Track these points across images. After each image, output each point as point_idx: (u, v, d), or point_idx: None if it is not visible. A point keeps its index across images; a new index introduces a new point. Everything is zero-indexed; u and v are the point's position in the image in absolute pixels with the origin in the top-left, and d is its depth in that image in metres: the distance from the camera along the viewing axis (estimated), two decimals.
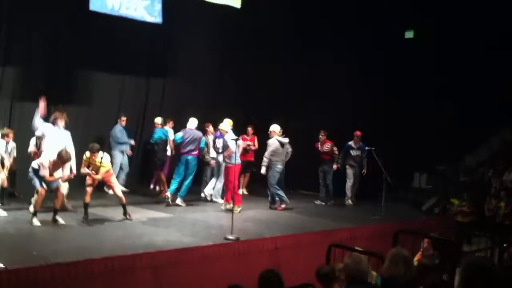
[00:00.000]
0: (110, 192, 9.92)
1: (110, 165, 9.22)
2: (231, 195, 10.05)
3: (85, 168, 8.84)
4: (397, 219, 10.48)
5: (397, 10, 13.56)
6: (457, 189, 11.57)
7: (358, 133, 12.31)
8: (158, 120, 12.21)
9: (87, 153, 8.82)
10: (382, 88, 13.72)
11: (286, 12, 14.06)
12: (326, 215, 10.79)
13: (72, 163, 8.95)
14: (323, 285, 5.12)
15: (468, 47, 12.83)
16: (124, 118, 12.09)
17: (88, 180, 8.84)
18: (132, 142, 12.23)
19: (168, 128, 12.11)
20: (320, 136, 12.27)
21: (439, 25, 13.36)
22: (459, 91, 12.79)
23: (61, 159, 8.36)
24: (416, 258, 6.23)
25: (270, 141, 11.10)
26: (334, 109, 13.36)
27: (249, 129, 12.74)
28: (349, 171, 12.34)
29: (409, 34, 14.23)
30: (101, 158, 8.82)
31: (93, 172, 8.82)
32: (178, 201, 10.74)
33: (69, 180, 9.19)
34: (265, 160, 11.00)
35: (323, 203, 12.11)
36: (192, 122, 11.08)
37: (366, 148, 11.87)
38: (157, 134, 11.87)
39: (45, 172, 8.29)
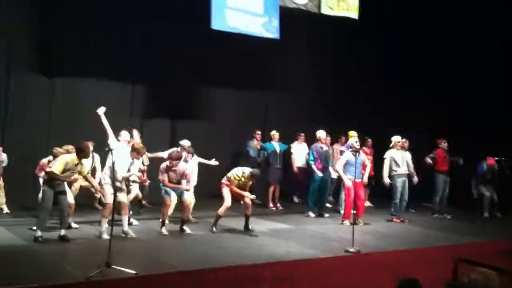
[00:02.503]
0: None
1: None
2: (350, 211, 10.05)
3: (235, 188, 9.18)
4: None
5: None
6: None
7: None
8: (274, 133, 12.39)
9: (243, 173, 9.17)
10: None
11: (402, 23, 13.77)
12: (448, 228, 10.35)
13: (193, 177, 9.34)
14: None
15: None
16: (259, 133, 12.39)
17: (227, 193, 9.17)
18: None
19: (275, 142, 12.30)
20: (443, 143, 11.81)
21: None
22: None
23: (170, 158, 8.78)
24: None
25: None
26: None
27: (369, 142, 12.59)
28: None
29: None
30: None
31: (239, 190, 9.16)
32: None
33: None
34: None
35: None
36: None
37: (496, 158, 11.16)
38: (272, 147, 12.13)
39: (163, 177, 8.76)
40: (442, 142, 11.72)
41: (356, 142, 10.29)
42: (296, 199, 13.05)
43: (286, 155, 12.37)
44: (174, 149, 9.55)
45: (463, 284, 4.81)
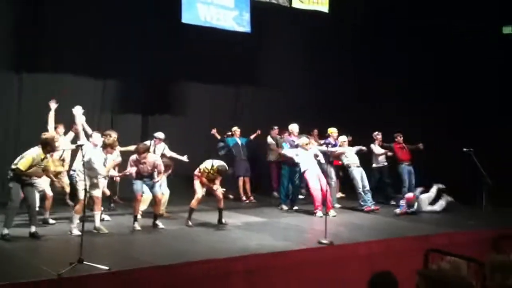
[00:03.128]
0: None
1: None
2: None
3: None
4: (499, 224, 9.97)
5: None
6: None
7: None
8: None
9: (212, 166, 9.17)
10: (480, 85, 13.18)
11: (378, 13, 13.88)
12: (420, 219, 10.50)
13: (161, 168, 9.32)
14: None
15: None
16: (237, 130, 12.30)
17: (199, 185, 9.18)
18: None
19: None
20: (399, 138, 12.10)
21: None
22: None
23: (137, 152, 8.75)
24: None
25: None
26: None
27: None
28: None
29: (507, 30, 13.56)
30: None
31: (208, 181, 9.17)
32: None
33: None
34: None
35: None
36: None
37: (464, 149, 11.30)
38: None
39: (131, 171, 8.71)
40: (398, 137, 12.05)
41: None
42: (276, 194, 12.92)
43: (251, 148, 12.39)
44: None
45: (435, 273, 4.88)
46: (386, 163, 12.18)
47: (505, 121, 12.61)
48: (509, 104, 12.74)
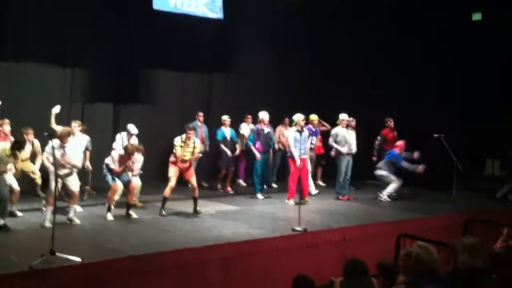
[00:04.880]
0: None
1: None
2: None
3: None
4: (469, 208, 10.16)
5: None
6: None
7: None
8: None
9: (182, 137, 9.14)
10: (457, 73, 13.33)
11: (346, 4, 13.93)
12: (393, 205, 10.63)
13: (140, 160, 9.28)
14: (385, 278, 5.01)
15: None
16: (201, 114, 12.12)
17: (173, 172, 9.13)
18: None
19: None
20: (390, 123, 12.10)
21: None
22: None
23: (127, 152, 8.65)
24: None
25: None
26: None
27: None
28: None
29: (476, 16, 13.72)
30: (194, 142, 9.27)
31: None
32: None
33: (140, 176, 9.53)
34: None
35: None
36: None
37: (435, 135, 11.40)
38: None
39: (115, 166, 8.61)
40: (389, 121, 12.00)
41: (302, 120, 10.40)
42: (242, 182, 12.94)
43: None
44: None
45: (392, 262, 4.97)
46: None
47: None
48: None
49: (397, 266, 4.88)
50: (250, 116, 12.30)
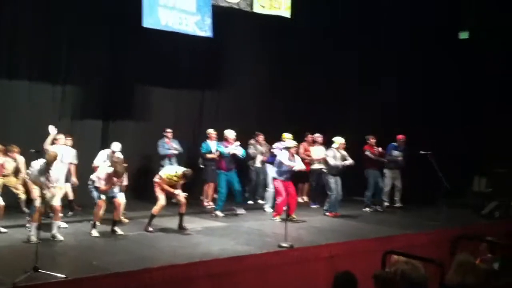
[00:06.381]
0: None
1: None
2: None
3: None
4: (456, 225, 10.19)
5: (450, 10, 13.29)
6: None
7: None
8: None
9: (176, 172, 9.13)
10: (440, 90, 13.44)
11: (338, 20, 14.05)
12: (381, 221, 10.63)
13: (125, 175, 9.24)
14: None
15: None
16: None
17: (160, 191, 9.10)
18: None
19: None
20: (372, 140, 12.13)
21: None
22: None
23: (116, 174, 8.58)
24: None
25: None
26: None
27: (309, 137, 12.74)
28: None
29: (464, 35, 13.88)
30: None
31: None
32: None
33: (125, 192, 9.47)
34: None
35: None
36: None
37: (421, 152, 11.45)
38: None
39: (100, 184, 8.54)
40: (371, 138, 12.08)
41: (295, 146, 10.60)
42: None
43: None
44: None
45: (390, 274, 4.95)
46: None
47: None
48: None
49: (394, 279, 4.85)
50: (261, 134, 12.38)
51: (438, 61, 13.56)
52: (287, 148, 10.54)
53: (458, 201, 12.37)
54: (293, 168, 10.37)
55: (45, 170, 7.86)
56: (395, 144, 12.18)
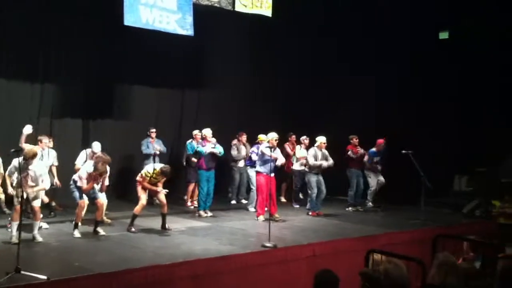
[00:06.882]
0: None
1: None
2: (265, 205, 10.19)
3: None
4: (437, 224, 10.29)
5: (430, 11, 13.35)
6: (499, 191, 11.28)
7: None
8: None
9: (154, 169, 9.13)
10: (420, 89, 13.51)
11: (318, 20, 14.07)
12: (364, 221, 10.69)
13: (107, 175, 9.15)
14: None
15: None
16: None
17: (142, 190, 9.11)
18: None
19: None
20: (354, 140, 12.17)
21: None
22: (503, 92, 12.53)
23: (97, 171, 8.51)
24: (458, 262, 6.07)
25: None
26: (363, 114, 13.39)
27: (293, 137, 12.77)
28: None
29: (443, 35, 13.98)
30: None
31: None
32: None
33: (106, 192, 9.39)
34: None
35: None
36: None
37: (403, 151, 11.51)
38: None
39: (82, 184, 8.48)
40: (354, 139, 12.12)
41: (275, 140, 10.46)
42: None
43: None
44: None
45: (376, 272, 4.98)
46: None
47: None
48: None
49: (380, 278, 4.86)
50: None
51: (417, 59, 13.62)
52: (268, 141, 10.52)
53: (440, 200, 12.48)
54: (273, 158, 10.22)
55: (24, 168, 7.75)
56: (374, 150, 12.09)
